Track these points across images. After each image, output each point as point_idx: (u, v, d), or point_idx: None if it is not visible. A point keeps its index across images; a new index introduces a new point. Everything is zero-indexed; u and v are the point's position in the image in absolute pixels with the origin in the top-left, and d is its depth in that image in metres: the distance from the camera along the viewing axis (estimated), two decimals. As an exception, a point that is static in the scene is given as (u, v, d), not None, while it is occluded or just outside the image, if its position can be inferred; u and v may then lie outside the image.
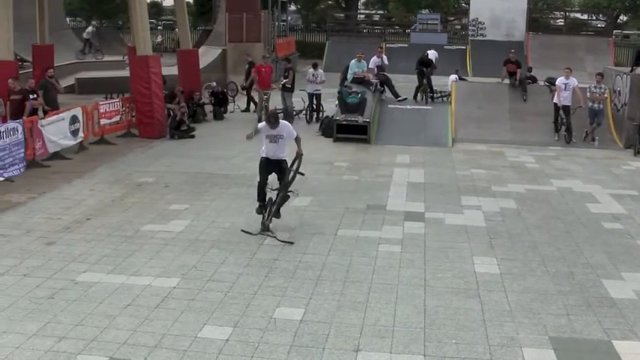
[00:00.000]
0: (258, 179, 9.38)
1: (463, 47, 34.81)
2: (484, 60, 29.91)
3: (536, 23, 38.02)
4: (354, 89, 17.27)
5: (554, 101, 16.96)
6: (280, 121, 9.25)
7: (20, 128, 12.45)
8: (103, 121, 15.61)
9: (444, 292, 7.35)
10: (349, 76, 18.40)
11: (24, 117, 13.23)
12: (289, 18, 44.27)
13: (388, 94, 19.65)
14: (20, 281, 7.41)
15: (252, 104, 20.75)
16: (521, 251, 8.78)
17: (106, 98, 18.15)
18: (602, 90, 16.90)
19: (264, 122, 9.40)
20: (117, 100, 17.01)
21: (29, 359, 5.75)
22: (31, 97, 14.32)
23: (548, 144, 16.64)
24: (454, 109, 18.33)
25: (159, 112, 16.55)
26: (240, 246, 8.69)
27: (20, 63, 20.22)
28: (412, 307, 6.91)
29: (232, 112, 20.70)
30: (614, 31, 40.42)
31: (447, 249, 8.76)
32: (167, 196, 11.11)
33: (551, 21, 44.15)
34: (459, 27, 44.49)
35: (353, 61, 18.69)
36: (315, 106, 19.11)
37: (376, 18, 51.45)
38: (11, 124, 12.42)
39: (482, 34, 35.01)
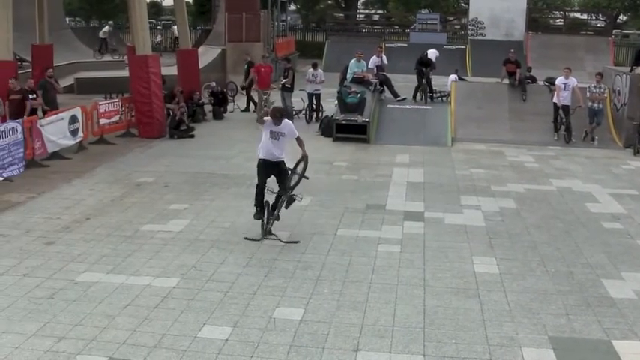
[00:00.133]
0: (256, 182, 9.15)
1: (462, 47, 34.78)
2: (483, 60, 29.94)
3: (535, 23, 38.02)
4: (353, 89, 17.27)
5: (554, 101, 16.96)
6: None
7: (20, 128, 12.44)
8: (102, 121, 15.60)
9: (443, 291, 7.36)
10: (349, 76, 18.39)
11: (24, 117, 13.23)
12: (289, 18, 44.25)
13: (388, 93, 19.66)
14: (20, 281, 7.41)
15: (251, 104, 20.76)
16: (521, 251, 8.78)
17: (106, 98, 18.14)
18: (602, 90, 16.91)
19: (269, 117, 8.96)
20: (116, 100, 17.00)
21: (29, 359, 5.75)
22: (30, 97, 14.31)
23: (548, 144, 16.65)
24: (454, 108, 18.33)
25: (158, 112, 16.54)
26: (239, 246, 8.69)
27: (20, 63, 20.20)
28: (412, 307, 6.92)
29: (232, 111, 20.70)
30: (614, 31, 40.42)
31: (446, 249, 8.76)
32: (166, 196, 11.10)
33: (551, 21, 44.17)
34: (458, 27, 44.45)
35: (352, 61, 18.69)
36: (314, 106, 19.11)
37: (376, 18, 51.43)
38: (10, 124, 12.41)
39: (481, 34, 35.01)
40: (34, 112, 14.41)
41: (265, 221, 9.03)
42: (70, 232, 9.13)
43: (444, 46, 32.23)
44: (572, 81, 16.70)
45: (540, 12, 44.37)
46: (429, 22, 39.26)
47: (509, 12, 34.64)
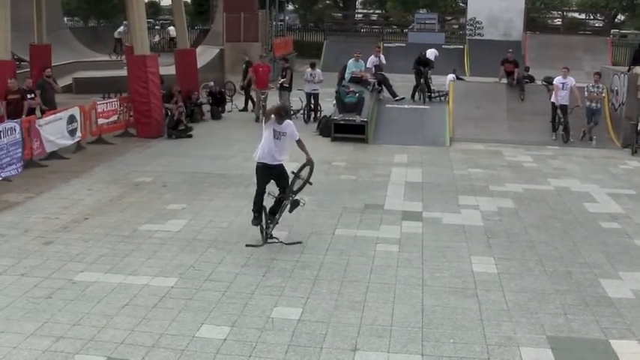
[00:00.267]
0: (255, 183, 8.92)
1: (461, 47, 34.80)
2: (482, 59, 29.94)
3: (533, 23, 38.06)
4: (351, 89, 17.27)
5: (552, 101, 16.96)
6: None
7: (18, 128, 12.43)
8: (100, 121, 15.58)
9: (441, 291, 7.36)
10: (347, 76, 18.40)
11: (22, 116, 13.21)
12: (287, 17, 44.28)
13: (386, 93, 19.66)
14: (18, 281, 7.40)
15: (250, 104, 20.77)
16: (519, 251, 8.79)
17: (104, 98, 18.13)
18: (600, 89, 16.93)
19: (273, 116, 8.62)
20: (114, 99, 16.97)
21: (27, 359, 5.74)
22: (28, 96, 14.29)
23: (546, 143, 16.66)
24: (452, 108, 18.33)
25: (156, 112, 16.53)
26: (237, 245, 8.69)
27: (18, 63, 20.18)
28: (410, 307, 6.92)
29: (230, 111, 20.69)
30: (612, 31, 40.51)
31: (444, 248, 8.77)
32: (165, 196, 11.10)
33: (549, 20, 44.22)
34: (456, 26, 44.51)
35: (351, 61, 18.70)
36: (312, 106, 19.11)
37: (374, 17, 51.49)
38: (9, 124, 12.39)
39: (479, 34, 35.03)
40: (32, 111, 14.40)
41: (265, 226, 8.86)
42: (68, 232, 9.12)
43: (443, 46, 32.26)
44: (571, 81, 16.71)
45: (538, 12, 44.42)
46: (427, 21, 39.28)
47: (507, 12, 34.67)
